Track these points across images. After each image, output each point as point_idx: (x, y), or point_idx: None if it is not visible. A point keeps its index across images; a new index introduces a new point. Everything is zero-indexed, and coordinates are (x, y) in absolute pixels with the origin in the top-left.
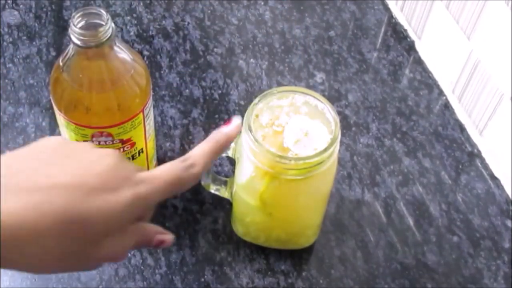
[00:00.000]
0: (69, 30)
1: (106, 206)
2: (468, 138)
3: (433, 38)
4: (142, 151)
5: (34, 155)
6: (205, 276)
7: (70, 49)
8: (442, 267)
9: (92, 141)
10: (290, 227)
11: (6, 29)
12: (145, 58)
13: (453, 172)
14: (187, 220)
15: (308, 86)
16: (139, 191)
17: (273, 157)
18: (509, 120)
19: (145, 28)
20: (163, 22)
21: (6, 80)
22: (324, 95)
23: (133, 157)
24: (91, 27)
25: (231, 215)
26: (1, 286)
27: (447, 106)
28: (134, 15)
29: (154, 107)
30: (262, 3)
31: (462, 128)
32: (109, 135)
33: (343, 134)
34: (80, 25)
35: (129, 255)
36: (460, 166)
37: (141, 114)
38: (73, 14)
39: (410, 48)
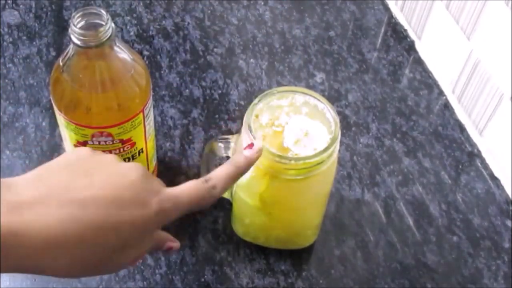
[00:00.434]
0: (69, 30)
1: (137, 218)
2: (468, 138)
3: (433, 38)
4: (142, 151)
5: (65, 167)
6: (205, 276)
7: (70, 49)
8: (442, 267)
9: (92, 141)
10: (290, 227)
11: (6, 29)
12: (145, 58)
13: (453, 172)
14: (187, 220)
15: (308, 86)
16: (165, 207)
17: (273, 157)
18: (509, 120)
19: (145, 28)
20: (163, 22)
21: (6, 80)
22: (324, 95)
23: (133, 157)
24: (91, 27)
25: (231, 215)
26: (1, 286)
27: (447, 106)
28: (134, 15)
29: (154, 107)
30: (262, 3)
31: (462, 128)
32: (109, 135)
33: (343, 134)
34: (80, 25)
35: None
36: (460, 166)
37: (141, 114)
38: (73, 14)
39: (410, 48)
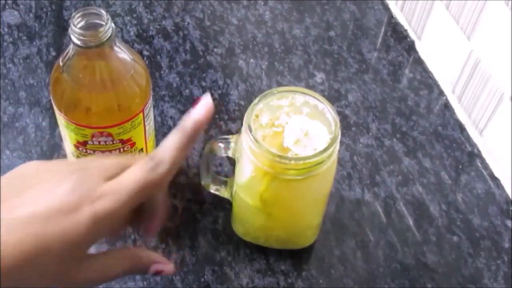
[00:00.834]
0: (69, 30)
1: (65, 230)
2: (468, 138)
3: (433, 38)
4: (142, 151)
5: (8, 184)
6: (205, 276)
7: (70, 49)
8: (442, 267)
9: (92, 141)
10: (290, 227)
11: (6, 29)
12: (145, 58)
13: (453, 172)
14: (187, 220)
15: (308, 86)
16: (98, 210)
17: (273, 157)
18: (509, 120)
19: (145, 28)
20: (163, 22)
21: (6, 80)
22: (324, 95)
23: None
24: (91, 27)
25: (231, 215)
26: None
27: (447, 106)
28: (134, 15)
29: (154, 107)
30: (262, 3)
31: (462, 128)
32: (109, 135)
33: (343, 134)
34: (80, 25)
35: None
36: (460, 166)
37: (141, 114)
38: (73, 14)
39: (410, 48)
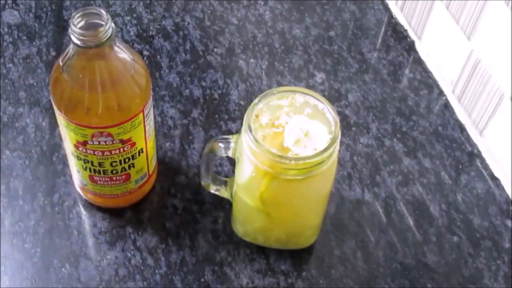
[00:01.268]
0: (69, 30)
1: None
2: (468, 138)
3: (433, 38)
4: (142, 151)
5: None
6: (205, 276)
7: (70, 49)
8: (442, 267)
9: (92, 141)
10: (290, 227)
11: (6, 29)
12: (145, 58)
13: (453, 172)
14: (187, 220)
15: (308, 86)
16: None
17: (273, 157)
18: (509, 120)
19: (145, 28)
20: (163, 22)
21: (6, 80)
22: (324, 95)
23: (133, 157)
24: (91, 27)
25: (231, 215)
26: (1, 286)
27: (447, 106)
28: (134, 15)
29: (154, 107)
30: (262, 3)
31: (462, 128)
32: (109, 135)
33: (343, 134)
34: (80, 25)
35: (129, 255)
36: (460, 166)
37: (141, 114)
38: (73, 14)
39: (410, 48)
